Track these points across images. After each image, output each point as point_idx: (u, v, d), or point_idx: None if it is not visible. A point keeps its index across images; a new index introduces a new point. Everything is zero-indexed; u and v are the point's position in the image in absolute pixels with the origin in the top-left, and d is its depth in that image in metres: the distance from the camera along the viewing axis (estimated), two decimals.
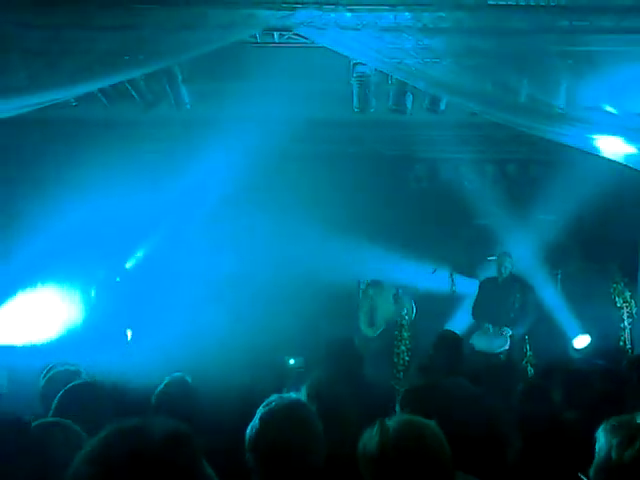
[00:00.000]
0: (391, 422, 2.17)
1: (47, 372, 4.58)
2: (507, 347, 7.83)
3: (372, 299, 8.98)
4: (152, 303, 9.08)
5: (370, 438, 2.14)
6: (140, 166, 8.84)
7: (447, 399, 3.47)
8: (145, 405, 3.84)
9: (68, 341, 8.77)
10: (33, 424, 2.57)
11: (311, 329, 8.68)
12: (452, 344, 4.79)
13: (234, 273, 9.15)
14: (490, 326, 7.91)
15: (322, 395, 3.15)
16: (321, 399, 3.06)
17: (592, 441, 2.42)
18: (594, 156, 6.74)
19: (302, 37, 6.31)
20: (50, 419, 2.69)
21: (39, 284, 9.06)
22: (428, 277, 9.06)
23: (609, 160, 6.64)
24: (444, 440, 2.11)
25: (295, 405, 2.48)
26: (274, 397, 2.51)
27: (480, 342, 7.87)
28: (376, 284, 9.12)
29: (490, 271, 8.64)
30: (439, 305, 8.94)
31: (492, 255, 8.72)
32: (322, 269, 9.50)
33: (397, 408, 3.43)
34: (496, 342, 7.85)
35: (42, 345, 8.68)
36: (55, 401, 3.36)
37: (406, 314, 8.56)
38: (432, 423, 2.16)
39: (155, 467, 1.45)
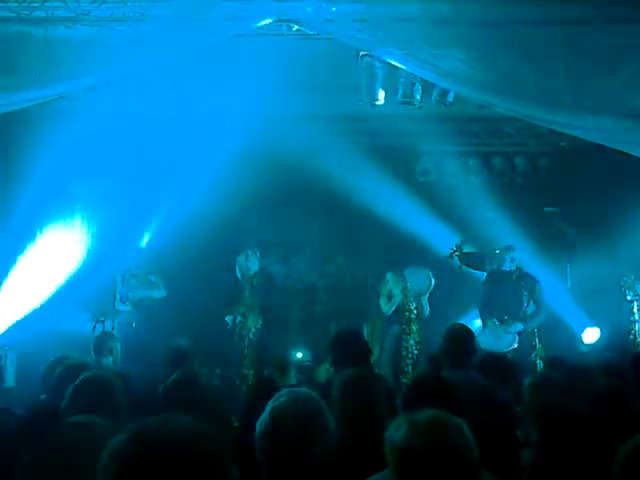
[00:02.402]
0: (419, 415, 2.15)
1: (54, 365, 4.56)
2: (516, 345, 7.64)
3: (391, 284, 8.83)
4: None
5: (397, 428, 2.11)
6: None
7: (454, 390, 3.45)
8: (151, 397, 3.82)
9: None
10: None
11: (320, 326, 8.67)
12: (463, 337, 4.75)
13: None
14: (497, 323, 7.73)
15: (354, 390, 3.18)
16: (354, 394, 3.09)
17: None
18: (602, 147, 6.69)
19: (309, 28, 6.28)
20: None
21: (38, 232, 8.84)
22: (435, 270, 9.00)
23: (617, 151, 6.59)
24: (471, 436, 2.09)
25: (306, 399, 2.45)
26: (284, 391, 2.48)
27: (487, 341, 7.50)
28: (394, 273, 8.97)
29: (496, 264, 8.57)
30: (448, 299, 8.90)
31: (498, 249, 8.66)
32: (324, 264, 9.50)
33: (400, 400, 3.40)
34: (504, 341, 7.64)
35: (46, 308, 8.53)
36: (69, 391, 3.30)
37: (415, 308, 8.48)
38: (460, 420, 2.13)
39: (180, 462, 1.47)
